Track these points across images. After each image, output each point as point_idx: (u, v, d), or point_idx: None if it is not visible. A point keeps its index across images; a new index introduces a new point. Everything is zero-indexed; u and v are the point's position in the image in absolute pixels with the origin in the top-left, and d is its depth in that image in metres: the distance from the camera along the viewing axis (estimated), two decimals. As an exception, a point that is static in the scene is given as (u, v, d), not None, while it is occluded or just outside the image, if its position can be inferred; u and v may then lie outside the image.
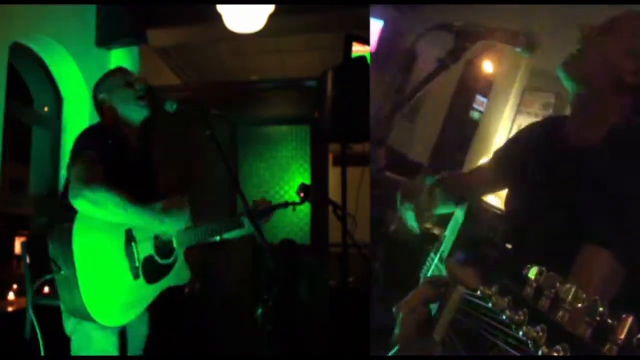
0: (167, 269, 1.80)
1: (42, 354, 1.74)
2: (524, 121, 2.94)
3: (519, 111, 3.00)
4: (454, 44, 1.34)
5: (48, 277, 1.58)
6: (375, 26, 4.20)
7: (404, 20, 3.85)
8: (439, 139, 3.52)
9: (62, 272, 1.52)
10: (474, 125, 3.36)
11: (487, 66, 3.30)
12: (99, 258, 1.57)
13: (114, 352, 1.66)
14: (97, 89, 1.92)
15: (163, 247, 1.78)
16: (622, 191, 1.05)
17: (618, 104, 1.16)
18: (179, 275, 1.84)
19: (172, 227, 1.72)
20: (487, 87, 3.32)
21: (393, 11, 3.99)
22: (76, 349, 1.66)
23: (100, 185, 1.55)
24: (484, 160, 3.02)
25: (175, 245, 1.82)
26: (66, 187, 1.66)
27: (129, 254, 1.65)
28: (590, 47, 1.18)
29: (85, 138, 1.75)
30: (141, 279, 1.68)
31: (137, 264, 1.66)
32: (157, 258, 1.76)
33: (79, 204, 1.53)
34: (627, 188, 1.05)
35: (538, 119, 2.80)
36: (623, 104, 1.15)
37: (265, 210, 2.17)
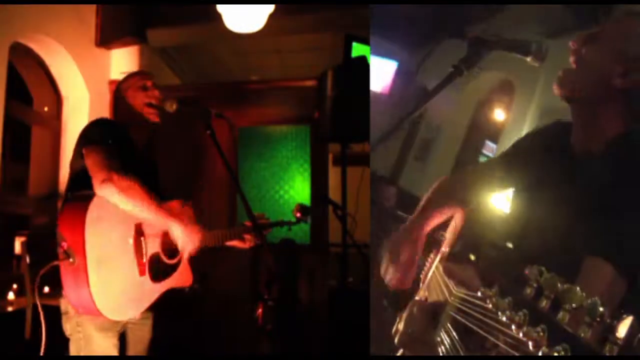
0: (172, 269, 1.80)
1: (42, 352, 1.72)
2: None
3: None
4: (468, 51, 1.36)
5: (56, 263, 1.53)
6: (390, 67, 4.19)
7: (414, 59, 3.86)
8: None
9: (71, 260, 1.49)
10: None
11: (498, 112, 3.25)
12: (109, 250, 1.56)
13: (114, 352, 1.66)
14: (120, 83, 1.94)
15: (169, 246, 1.77)
16: (623, 202, 1.04)
17: (613, 111, 1.14)
18: (182, 277, 1.84)
19: (187, 239, 1.71)
20: (497, 133, 3.31)
21: (403, 52, 4.00)
22: (75, 350, 1.65)
23: (126, 174, 1.56)
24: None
25: (180, 246, 1.81)
26: (74, 177, 1.67)
27: (138, 249, 1.64)
28: (579, 59, 1.17)
29: (99, 129, 1.75)
30: (146, 276, 1.67)
31: (144, 259, 1.66)
32: (162, 257, 1.75)
33: (105, 189, 1.53)
34: (628, 199, 1.04)
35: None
36: (618, 111, 1.14)
37: (262, 227, 2.17)
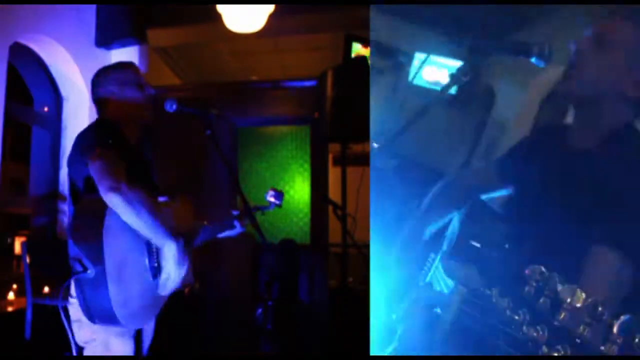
0: None
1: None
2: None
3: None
4: (466, 60, 1.30)
5: (74, 277, 1.46)
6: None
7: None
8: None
9: (89, 272, 1.43)
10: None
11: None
12: (125, 256, 1.50)
13: (130, 354, 1.60)
14: (106, 80, 1.80)
15: None
16: (626, 190, 1.05)
17: (619, 113, 1.16)
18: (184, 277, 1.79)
19: (175, 266, 1.59)
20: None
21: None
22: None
23: (137, 185, 1.47)
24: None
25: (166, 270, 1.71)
26: (73, 186, 1.61)
27: (150, 252, 1.59)
28: (586, 65, 1.17)
29: (99, 133, 1.65)
30: (157, 279, 1.62)
31: (155, 263, 1.61)
32: None
33: (113, 198, 1.43)
34: (631, 186, 1.05)
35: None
36: (623, 112, 1.16)
37: (245, 214, 2.05)
